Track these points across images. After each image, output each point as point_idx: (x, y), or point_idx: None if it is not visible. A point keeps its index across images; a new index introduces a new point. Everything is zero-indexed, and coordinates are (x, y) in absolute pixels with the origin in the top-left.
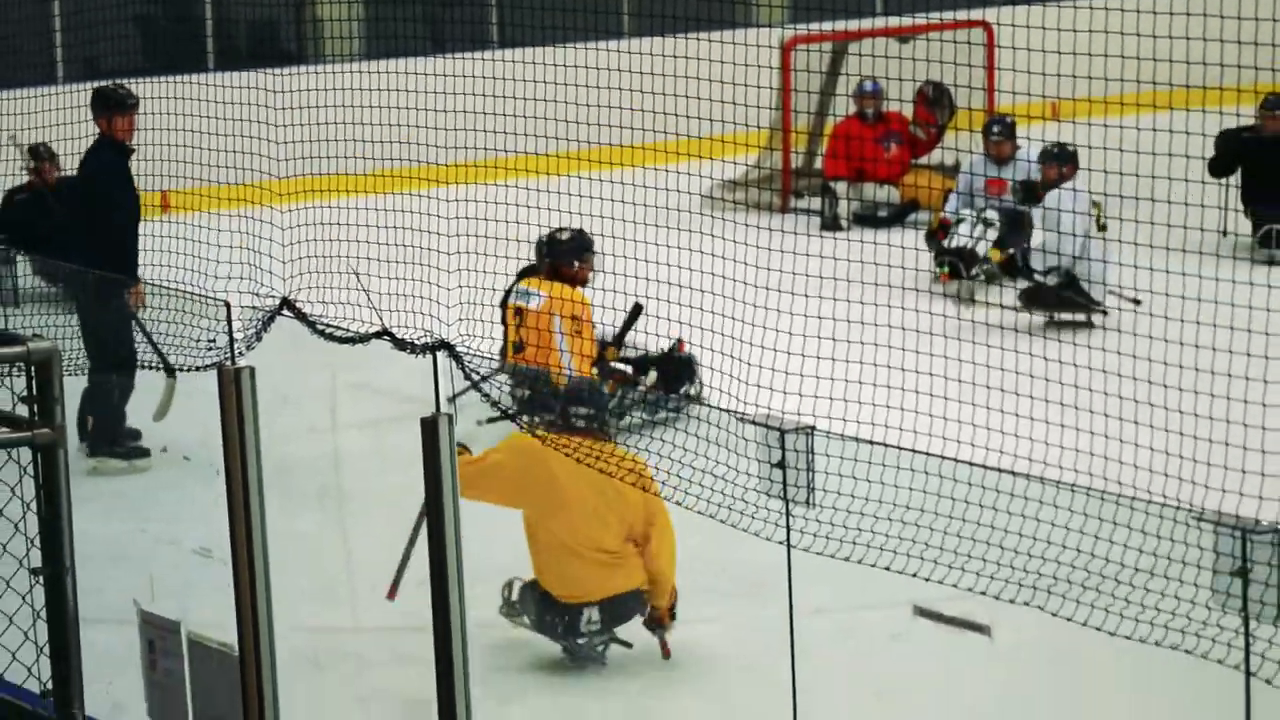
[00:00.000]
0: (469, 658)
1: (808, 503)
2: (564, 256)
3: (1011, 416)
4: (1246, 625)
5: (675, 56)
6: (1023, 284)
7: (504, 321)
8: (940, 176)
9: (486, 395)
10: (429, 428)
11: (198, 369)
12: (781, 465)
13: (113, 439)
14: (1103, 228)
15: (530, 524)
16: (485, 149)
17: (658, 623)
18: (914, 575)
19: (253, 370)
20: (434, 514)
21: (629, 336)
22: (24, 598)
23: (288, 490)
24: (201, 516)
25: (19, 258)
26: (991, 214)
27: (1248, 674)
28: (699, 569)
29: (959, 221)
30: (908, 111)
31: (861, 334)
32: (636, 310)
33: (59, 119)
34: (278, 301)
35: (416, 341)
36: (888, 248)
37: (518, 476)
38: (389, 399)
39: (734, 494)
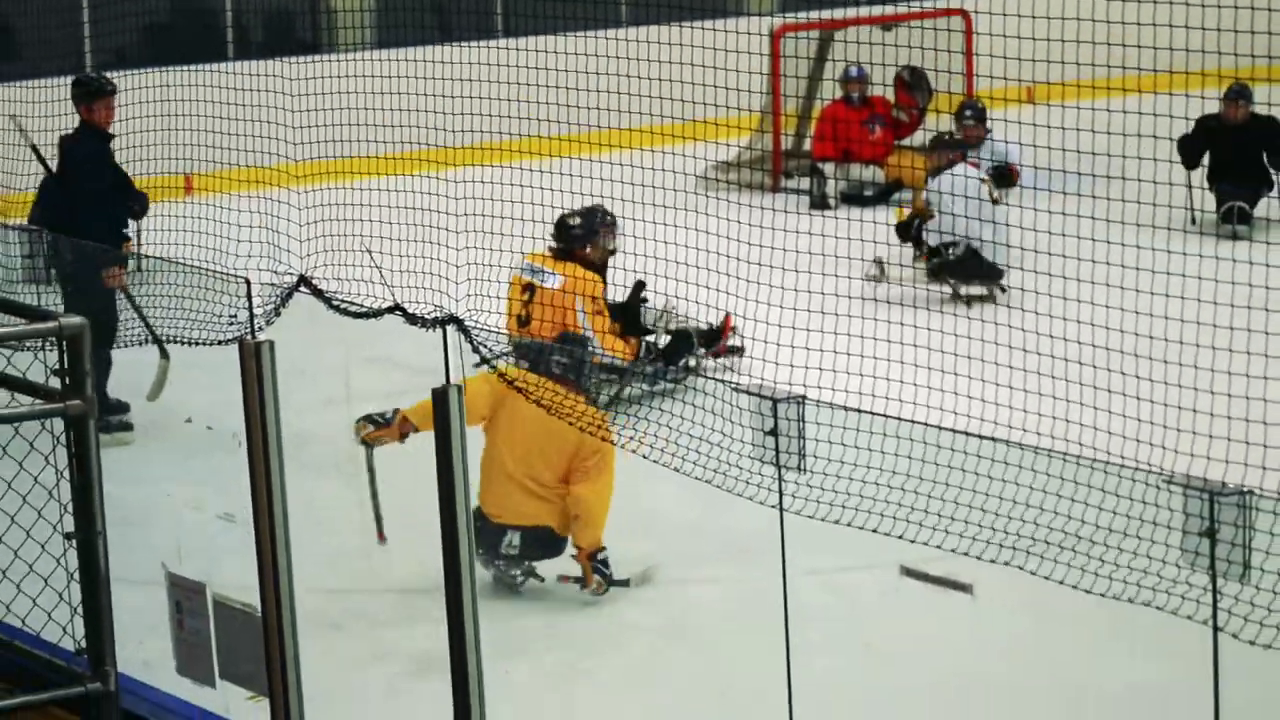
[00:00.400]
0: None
1: (799, 469)
2: (575, 241)
3: (992, 386)
4: (1214, 583)
5: (671, 44)
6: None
7: (510, 296)
8: (923, 157)
9: (493, 366)
10: (440, 398)
11: (220, 343)
12: (774, 433)
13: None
14: (996, 201)
15: (485, 451)
16: (491, 132)
17: (580, 561)
18: (900, 537)
19: (272, 344)
20: (445, 479)
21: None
22: (58, 561)
23: (306, 458)
24: (225, 484)
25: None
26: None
27: (1215, 629)
28: (696, 532)
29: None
30: (891, 96)
31: (849, 307)
32: (639, 287)
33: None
34: (295, 279)
35: (427, 316)
36: (874, 225)
37: (493, 400)
38: (401, 371)
39: (729, 460)
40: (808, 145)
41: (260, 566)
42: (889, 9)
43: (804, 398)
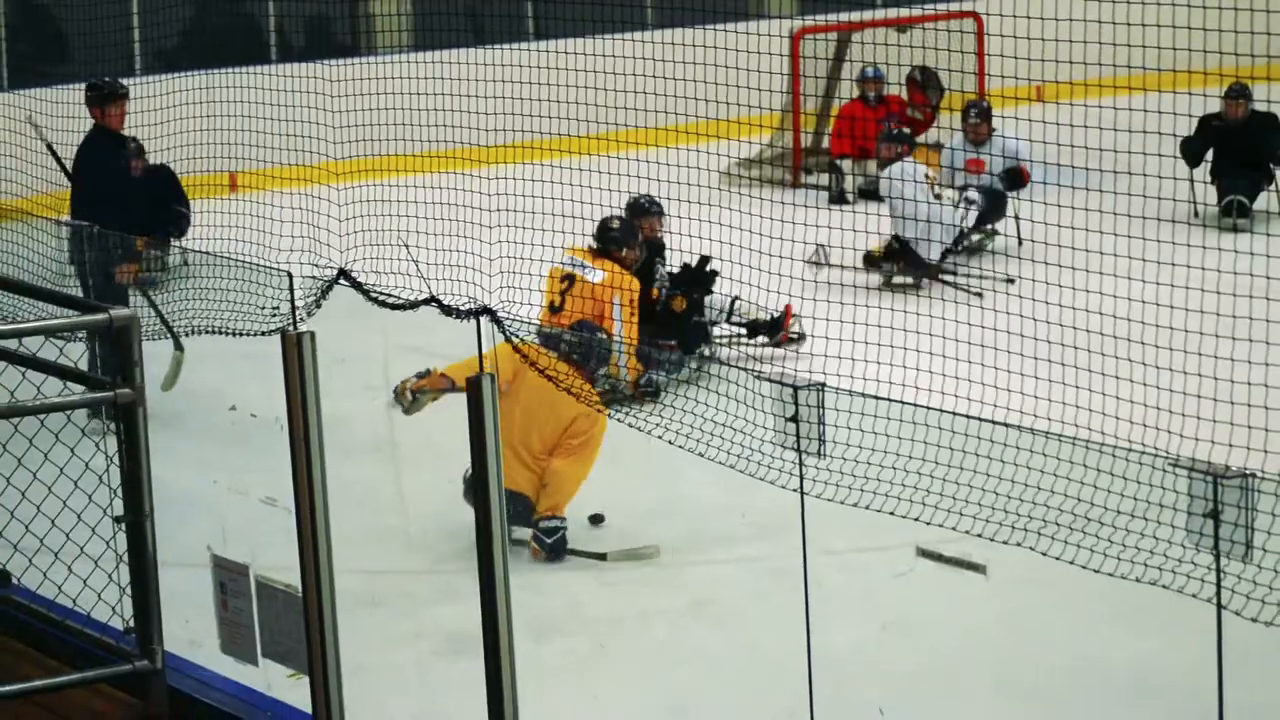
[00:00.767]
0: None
1: (819, 453)
2: (613, 243)
3: (1004, 373)
4: (1218, 562)
5: (695, 46)
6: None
7: (549, 286)
8: (936, 154)
9: (508, 337)
10: (473, 386)
11: (263, 333)
12: (795, 419)
13: None
14: (938, 197)
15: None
16: (522, 131)
17: (535, 524)
18: (916, 519)
19: (313, 335)
20: (478, 464)
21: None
22: (108, 543)
23: (345, 443)
24: (267, 469)
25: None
26: (973, 193)
27: (1219, 606)
28: (720, 515)
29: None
30: (906, 95)
31: (867, 298)
32: (704, 261)
33: (137, 107)
34: (335, 272)
35: (461, 307)
36: (891, 219)
37: (514, 367)
38: (436, 360)
39: (752, 446)
40: (826, 143)
41: (301, 548)
42: (904, 11)
43: (823, 384)
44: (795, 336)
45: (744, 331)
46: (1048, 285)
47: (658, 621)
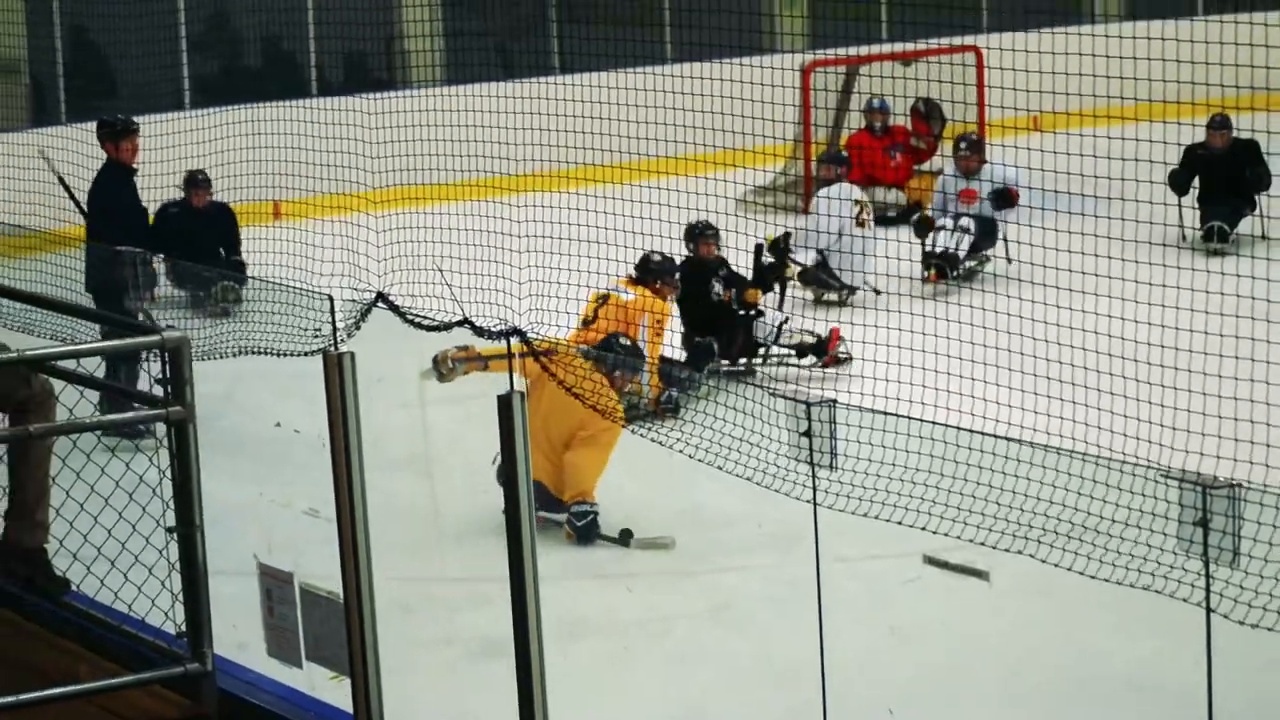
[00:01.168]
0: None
1: (831, 466)
2: (651, 275)
3: (1005, 389)
4: (1207, 568)
5: (711, 79)
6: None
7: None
8: (934, 180)
9: (545, 367)
10: (504, 404)
11: (306, 354)
12: (808, 434)
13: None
14: (861, 224)
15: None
16: (550, 161)
17: (568, 509)
18: (923, 529)
19: (353, 355)
20: (511, 475)
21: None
22: (161, 552)
23: (383, 458)
24: (310, 482)
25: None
26: (967, 220)
27: (1208, 610)
28: (738, 525)
29: (939, 229)
30: (910, 125)
31: (876, 318)
32: (759, 250)
33: (187, 140)
34: (374, 295)
35: (493, 329)
36: (897, 242)
37: (535, 365)
38: (469, 378)
39: (767, 459)
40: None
41: (342, 557)
42: (908, 46)
43: (835, 401)
44: (843, 358)
45: (793, 353)
46: (1046, 306)
47: (679, 625)
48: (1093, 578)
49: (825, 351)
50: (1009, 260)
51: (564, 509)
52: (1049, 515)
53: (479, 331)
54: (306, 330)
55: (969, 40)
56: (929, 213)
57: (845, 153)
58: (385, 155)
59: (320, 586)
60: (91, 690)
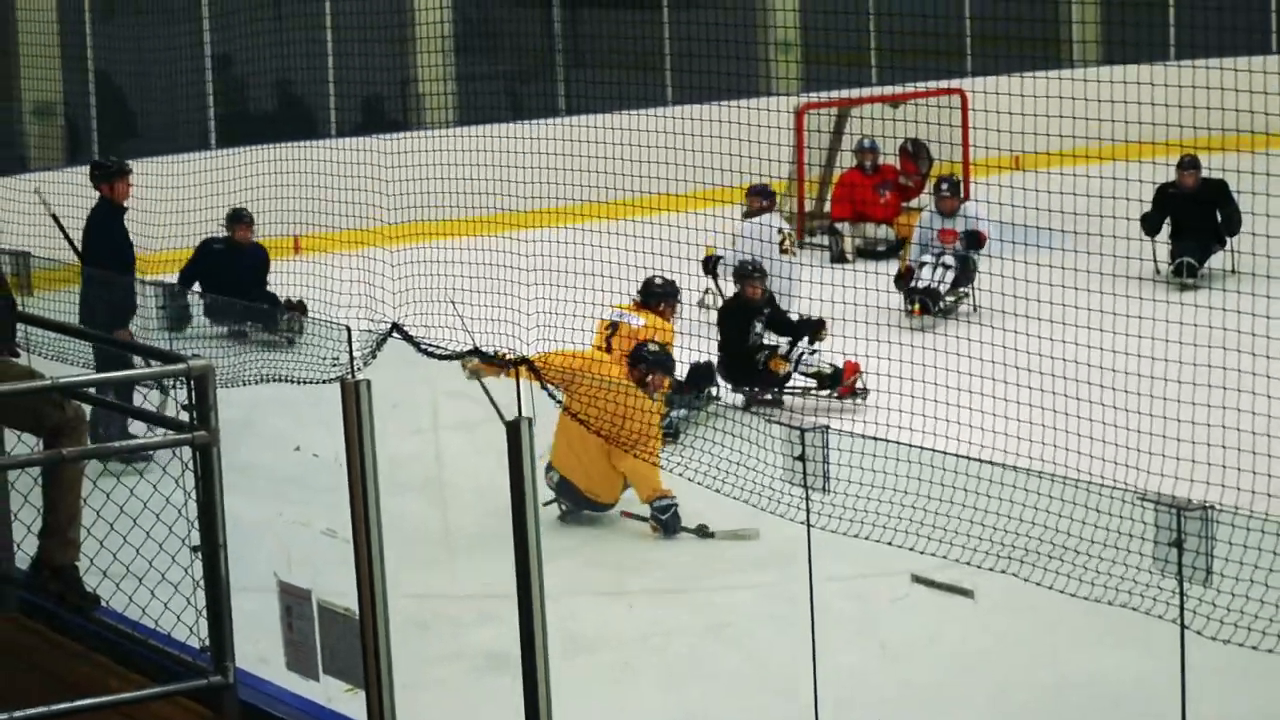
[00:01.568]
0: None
1: (824, 489)
2: (653, 298)
3: (991, 417)
4: (1181, 586)
5: (710, 120)
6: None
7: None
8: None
9: (552, 395)
10: (512, 429)
11: (324, 381)
12: (802, 458)
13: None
14: (785, 251)
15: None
16: (557, 198)
17: (650, 505)
18: (911, 549)
19: (369, 383)
20: (517, 499)
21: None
22: (186, 570)
23: (398, 481)
24: (328, 503)
25: (191, 294)
26: (948, 258)
27: (1182, 627)
28: (735, 544)
29: (922, 265)
30: (898, 164)
31: (867, 348)
32: (709, 262)
33: (211, 179)
34: (389, 325)
35: (502, 358)
36: (886, 276)
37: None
38: (479, 405)
39: (762, 482)
40: (827, 207)
41: (358, 575)
42: (896, 89)
43: (827, 427)
44: (859, 391)
45: (814, 383)
46: (1028, 338)
47: (678, 641)
48: (1073, 596)
49: (839, 382)
50: (974, 307)
51: (595, 507)
52: (1031, 536)
53: (488, 360)
54: (325, 359)
55: (954, 83)
56: (909, 263)
57: (772, 187)
58: (400, 193)
59: (337, 603)
60: (119, 701)
